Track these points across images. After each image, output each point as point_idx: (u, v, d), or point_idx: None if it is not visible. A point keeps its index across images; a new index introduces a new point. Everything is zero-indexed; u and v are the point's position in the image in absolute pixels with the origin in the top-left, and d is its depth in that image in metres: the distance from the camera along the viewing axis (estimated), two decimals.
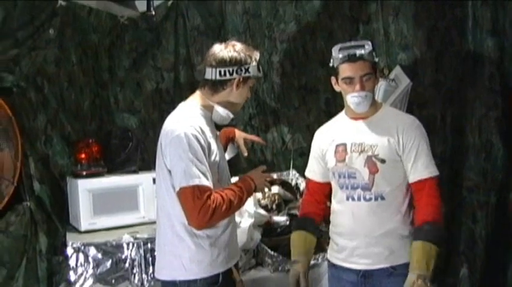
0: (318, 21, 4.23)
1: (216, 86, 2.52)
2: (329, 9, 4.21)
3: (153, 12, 3.98)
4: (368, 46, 2.59)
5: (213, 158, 2.44)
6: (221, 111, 2.55)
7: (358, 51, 2.58)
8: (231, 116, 2.59)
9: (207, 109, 2.54)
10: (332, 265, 2.83)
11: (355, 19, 4.20)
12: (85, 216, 3.42)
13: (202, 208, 2.32)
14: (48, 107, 3.75)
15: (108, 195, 3.48)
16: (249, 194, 2.57)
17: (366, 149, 2.64)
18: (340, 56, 2.61)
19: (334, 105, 4.04)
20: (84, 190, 3.43)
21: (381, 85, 3.90)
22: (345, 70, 2.61)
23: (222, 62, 2.49)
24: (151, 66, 4.18)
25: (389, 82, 3.94)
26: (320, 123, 2.96)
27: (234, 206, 2.45)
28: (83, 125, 3.92)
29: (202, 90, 2.57)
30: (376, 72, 2.66)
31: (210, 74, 2.50)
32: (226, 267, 2.51)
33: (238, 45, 2.54)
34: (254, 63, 2.52)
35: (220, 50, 2.51)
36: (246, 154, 3.01)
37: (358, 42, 2.67)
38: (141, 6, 4.05)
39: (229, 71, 2.48)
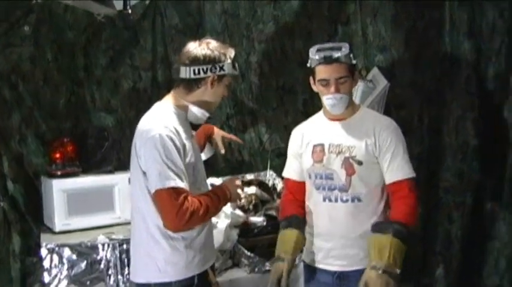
0: (297, 21, 4.23)
1: (190, 85, 2.48)
2: (307, 9, 4.21)
3: (130, 11, 3.94)
4: (345, 49, 2.58)
5: (188, 159, 2.40)
6: (196, 111, 2.51)
7: (335, 54, 2.57)
8: (207, 115, 2.56)
9: (182, 109, 2.50)
10: (308, 266, 2.83)
11: (333, 20, 4.20)
12: (59, 216, 3.39)
13: (180, 211, 2.28)
14: (22, 105, 3.71)
15: (83, 195, 3.45)
16: (225, 203, 2.57)
17: (343, 151, 2.64)
18: (317, 57, 2.60)
19: (311, 106, 4.03)
20: (59, 190, 3.39)
21: (359, 86, 3.90)
22: (321, 72, 2.61)
23: (195, 60, 2.44)
24: (128, 65, 4.14)
25: (367, 83, 3.94)
26: (297, 124, 2.94)
27: (210, 212, 2.42)
28: (59, 124, 3.88)
29: (176, 90, 2.53)
30: (354, 74, 2.65)
31: (184, 72, 2.46)
32: (202, 269, 2.48)
33: (213, 43, 2.49)
34: (229, 60, 2.48)
35: (194, 48, 2.47)
36: (223, 152, 2.98)
37: (335, 44, 2.65)
38: (119, 4, 4.02)
39: (203, 69, 2.44)
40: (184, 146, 2.38)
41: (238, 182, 2.65)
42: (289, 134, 2.93)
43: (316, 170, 2.69)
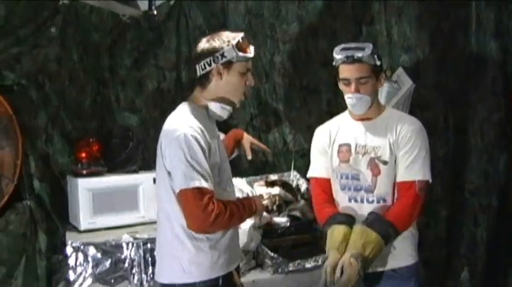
0: (321, 21, 4.22)
1: (202, 81, 2.46)
2: (332, 9, 4.20)
3: (155, 12, 3.96)
4: (368, 49, 2.57)
5: (213, 159, 2.39)
6: (214, 107, 2.48)
7: (357, 54, 2.56)
8: (228, 108, 2.50)
9: (203, 108, 2.49)
10: None
11: (358, 20, 4.18)
12: (85, 215, 3.41)
13: (204, 211, 2.28)
14: (49, 105, 3.75)
15: (108, 194, 3.48)
16: (249, 215, 2.56)
17: (369, 151, 2.63)
18: (340, 56, 2.60)
19: (335, 106, 4.02)
20: (84, 189, 3.42)
21: (384, 87, 3.88)
22: (343, 71, 2.61)
23: (200, 56, 2.43)
24: (153, 65, 4.16)
25: (392, 84, 3.92)
26: (321, 123, 2.94)
27: (234, 218, 2.41)
28: (84, 124, 3.91)
29: (196, 89, 2.52)
30: (379, 75, 2.63)
31: (196, 71, 2.46)
32: (227, 270, 2.47)
33: (217, 35, 2.46)
34: (228, 46, 2.40)
35: (199, 44, 2.47)
36: (249, 157, 2.96)
37: (359, 45, 2.64)
38: (143, 5, 4.05)
39: (207, 62, 2.41)
40: (209, 145, 2.37)
41: (265, 202, 2.77)
42: (313, 134, 2.91)
43: (342, 170, 2.68)
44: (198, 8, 4.21)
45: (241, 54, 2.42)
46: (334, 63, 2.65)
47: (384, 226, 2.51)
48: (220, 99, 2.47)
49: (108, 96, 4.06)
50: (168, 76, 4.19)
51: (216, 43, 2.41)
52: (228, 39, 2.42)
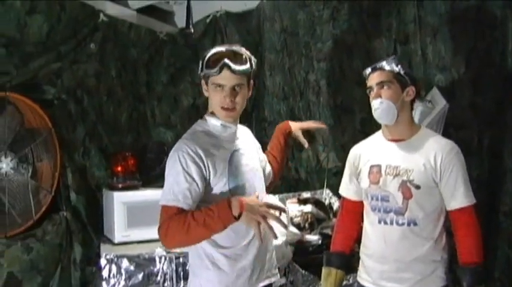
0: (355, 40, 4.22)
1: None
2: (367, 29, 4.20)
3: (192, 30, 4.03)
4: (390, 58, 2.66)
5: (218, 175, 2.32)
6: (209, 121, 2.42)
7: (379, 63, 2.63)
8: (225, 123, 2.39)
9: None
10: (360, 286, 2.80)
11: (392, 39, 4.18)
12: (119, 228, 3.47)
13: (161, 228, 2.26)
14: (87, 119, 3.83)
15: (142, 208, 3.52)
16: (225, 222, 2.21)
17: (401, 173, 2.59)
18: (367, 72, 2.67)
19: (369, 125, 3.98)
20: (119, 202, 3.48)
21: (417, 107, 3.86)
22: (368, 81, 2.66)
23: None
24: (188, 81, 4.23)
25: (426, 103, 3.89)
26: (355, 143, 2.93)
27: (193, 231, 2.21)
28: (120, 138, 3.99)
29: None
30: (404, 85, 2.62)
31: None
32: None
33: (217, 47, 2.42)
34: (202, 62, 2.34)
35: None
36: (306, 146, 2.88)
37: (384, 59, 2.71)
38: (181, 22, 4.12)
39: (200, 76, 2.41)
40: (206, 165, 2.29)
41: (262, 207, 2.27)
42: (347, 152, 2.92)
43: (372, 192, 2.67)
44: (234, 25, 4.26)
45: (206, 70, 2.33)
46: (366, 82, 2.69)
47: (475, 274, 2.57)
48: (212, 114, 2.42)
49: (144, 112, 4.14)
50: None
51: (202, 58, 2.38)
52: (207, 53, 2.37)
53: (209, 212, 2.22)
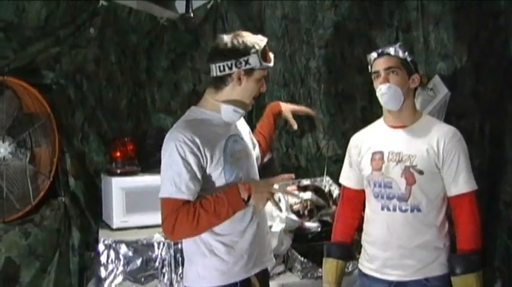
0: (357, 28, 4.20)
1: (217, 83, 2.35)
2: (368, 16, 4.17)
3: (192, 14, 4.00)
4: (397, 45, 2.63)
5: (213, 165, 2.31)
6: (227, 110, 2.36)
7: (386, 49, 2.63)
8: (241, 111, 2.39)
9: (215, 110, 2.39)
10: (363, 275, 2.79)
11: (394, 27, 4.15)
12: (117, 213, 3.47)
13: (165, 221, 2.24)
14: (86, 104, 3.81)
15: (141, 194, 3.51)
16: (234, 208, 2.28)
17: (403, 159, 2.60)
18: (371, 56, 2.66)
19: (370, 113, 4.00)
20: (118, 187, 3.47)
21: (419, 94, 3.85)
22: (374, 66, 2.65)
23: (219, 56, 2.30)
24: (189, 67, 4.20)
25: (428, 91, 3.88)
26: (356, 130, 2.93)
27: (203, 221, 2.24)
28: (120, 124, 3.98)
29: (208, 90, 2.44)
30: (410, 72, 2.62)
31: (212, 70, 2.34)
32: (245, 276, 2.41)
33: (239, 35, 2.33)
34: (254, 53, 2.29)
35: (219, 42, 2.34)
36: (295, 127, 2.87)
37: (389, 45, 2.69)
38: (181, 7, 4.09)
39: (227, 65, 2.29)
40: (204, 154, 2.28)
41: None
42: (347, 140, 2.91)
43: (375, 178, 2.66)
44: (235, 11, 4.23)
45: (264, 63, 2.33)
46: (369, 67, 2.68)
47: (468, 262, 2.56)
48: (233, 102, 2.36)
49: (144, 98, 4.12)
50: (203, 79, 4.23)
51: (240, 46, 2.30)
52: (252, 44, 2.31)
53: (218, 200, 2.24)
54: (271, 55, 2.39)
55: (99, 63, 3.87)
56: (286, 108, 2.88)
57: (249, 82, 2.34)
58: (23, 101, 3.49)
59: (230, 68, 2.30)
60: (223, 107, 2.37)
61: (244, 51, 2.29)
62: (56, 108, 3.61)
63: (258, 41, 2.34)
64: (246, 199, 2.27)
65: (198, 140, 2.26)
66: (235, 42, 2.30)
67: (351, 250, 2.91)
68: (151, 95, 4.12)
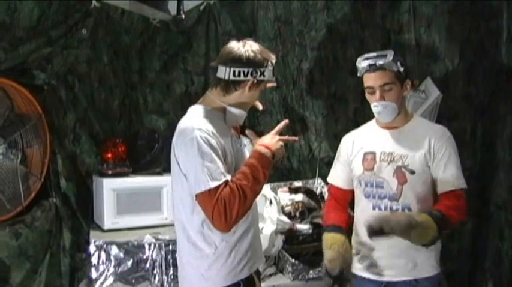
0: (349, 29, 4.20)
1: (228, 86, 2.39)
2: (361, 18, 4.18)
3: (183, 16, 4.00)
4: (390, 56, 2.59)
5: (228, 159, 2.36)
6: (234, 112, 2.44)
7: (379, 61, 2.58)
8: (244, 114, 2.48)
9: (218, 110, 2.44)
10: (353, 276, 2.81)
11: (386, 29, 4.16)
12: (108, 215, 3.45)
13: (215, 211, 2.22)
14: (78, 105, 3.80)
15: (132, 195, 3.51)
16: (267, 167, 2.36)
17: (395, 159, 2.62)
18: (363, 65, 2.63)
19: (362, 114, 4.01)
20: (109, 189, 3.46)
21: (411, 96, 3.86)
22: (367, 80, 2.64)
23: (237, 61, 2.35)
24: (181, 69, 4.21)
25: (419, 93, 3.89)
26: (348, 132, 2.94)
27: (248, 191, 2.26)
28: (111, 125, 3.97)
29: (213, 91, 2.46)
30: (403, 82, 2.63)
31: (224, 73, 2.37)
32: (248, 273, 2.43)
33: (256, 46, 2.41)
34: (270, 67, 2.41)
35: (237, 48, 2.38)
36: (261, 108, 2.76)
37: (380, 52, 2.65)
38: (174, 9, 4.09)
39: (244, 72, 2.36)
40: (223, 146, 2.33)
41: (276, 136, 2.44)
42: (339, 142, 2.93)
43: (367, 178, 2.68)
44: (228, 13, 4.24)
45: (273, 78, 2.46)
46: (358, 74, 2.67)
47: (434, 213, 2.47)
48: (239, 105, 2.44)
49: (136, 99, 4.11)
50: (196, 80, 4.23)
51: (258, 57, 2.38)
52: (269, 58, 2.42)
53: (252, 168, 2.31)
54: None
55: (91, 64, 3.85)
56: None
57: (256, 91, 2.43)
58: (14, 102, 3.48)
59: (246, 76, 2.37)
60: (230, 109, 2.43)
61: (262, 63, 2.38)
62: (47, 109, 3.59)
63: (272, 55, 2.45)
64: (271, 156, 2.37)
65: (217, 133, 2.32)
66: (253, 52, 2.38)
67: (346, 234, 2.80)
68: (144, 97, 4.12)
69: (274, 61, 2.45)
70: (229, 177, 2.27)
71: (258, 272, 2.59)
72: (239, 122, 2.52)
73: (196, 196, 2.27)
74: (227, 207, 2.21)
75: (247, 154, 2.48)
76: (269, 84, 2.53)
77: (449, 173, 2.58)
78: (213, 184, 2.23)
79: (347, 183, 2.81)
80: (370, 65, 2.59)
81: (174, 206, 2.47)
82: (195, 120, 2.35)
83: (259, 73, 2.38)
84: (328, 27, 4.21)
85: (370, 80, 2.61)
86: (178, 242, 2.49)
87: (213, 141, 2.28)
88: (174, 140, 2.39)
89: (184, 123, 2.38)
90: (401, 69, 2.60)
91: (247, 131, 2.69)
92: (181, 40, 4.22)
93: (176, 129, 2.40)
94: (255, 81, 2.39)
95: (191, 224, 2.37)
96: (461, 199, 2.57)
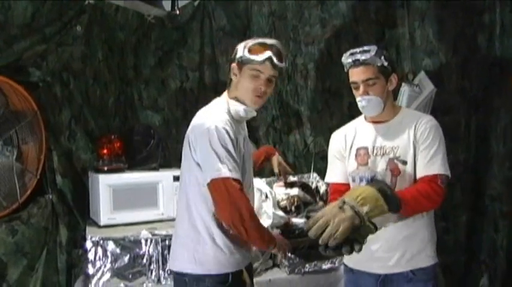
0: (344, 24, 4.22)
1: (228, 79, 2.56)
2: (355, 13, 4.19)
3: (178, 12, 4.00)
4: (373, 51, 2.59)
5: (239, 153, 2.41)
6: (233, 105, 2.49)
7: (361, 57, 2.59)
8: (247, 108, 2.49)
9: (229, 106, 2.52)
10: (349, 270, 2.80)
11: (380, 23, 4.18)
12: (105, 211, 3.45)
13: (233, 204, 2.29)
14: (73, 102, 3.80)
15: (128, 191, 3.51)
16: (267, 245, 2.49)
17: (387, 152, 2.63)
18: (347, 61, 2.65)
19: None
20: (105, 185, 3.46)
21: (405, 90, 3.88)
22: (351, 75, 2.65)
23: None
24: (176, 65, 4.21)
25: (414, 87, 3.91)
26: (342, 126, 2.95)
27: (254, 233, 2.37)
28: (107, 121, 3.97)
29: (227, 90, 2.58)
30: (388, 76, 2.63)
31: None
32: (238, 268, 2.46)
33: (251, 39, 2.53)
34: (244, 47, 2.46)
35: None
36: (276, 171, 3.08)
37: (364, 47, 2.65)
38: (168, 5, 4.09)
39: (229, 62, 2.53)
40: (237, 140, 2.39)
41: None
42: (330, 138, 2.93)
43: (361, 173, 2.68)
44: (222, 9, 4.25)
45: (247, 55, 2.44)
46: (345, 69, 2.69)
47: (395, 201, 2.37)
48: (236, 99, 2.50)
49: (131, 95, 4.12)
50: (191, 76, 4.24)
51: (239, 45, 2.50)
52: (249, 41, 2.48)
53: (270, 238, 2.47)
54: (267, 53, 2.44)
55: (86, 61, 3.86)
56: (277, 158, 3.17)
57: (242, 77, 2.47)
58: (9, 99, 3.47)
59: (230, 65, 2.50)
60: (230, 103, 2.50)
61: (238, 47, 2.49)
62: (42, 106, 3.59)
63: (265, 39, 2.51)
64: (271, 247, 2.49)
65: (233, 125, 2.41)
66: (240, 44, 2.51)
67: None
68: (139, 93, 4.12)
69: (252, 43, 2.47)
70: (238, 176, 2.33)
71: (250, 267, 2.60)
72: (240, 115, 2.50)
73: (211, 181, 2.32)
74: (243, 214, 2.31)
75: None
76: (255, 67, 2.45)
77: (428, 157, 2.55)
78: (235, 175, 2.31)
79: (345, 177, 2.78)
80: (354, 61, 2.61)
81: (182, 188, 2.52)
82: (214, 111, 2.45)
83: (234, 56, 2.48)
84: (323, 22, 4.22)
85: (354, 75, 2.63)
86: (178, 223, 2.53)
87: (231, 132, 2.36)
88: (191, 128, 2.44)
89: (204, 112, 2.49)
90: (386, 63, 2.60)
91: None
92: (176, 36, 4.22)
93: (195, 117, 2.48)
94: (235, 64, 2.47)
95: (197, 207, 2.42)
96: (439, 185, 2.52)
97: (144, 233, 3.30)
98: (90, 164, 3.79)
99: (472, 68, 3.99)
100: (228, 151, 2.32)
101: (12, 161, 3.47)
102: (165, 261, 3.27)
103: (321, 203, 3.73)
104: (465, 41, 3.99)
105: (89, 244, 3.24)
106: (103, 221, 3.45)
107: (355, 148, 2.72)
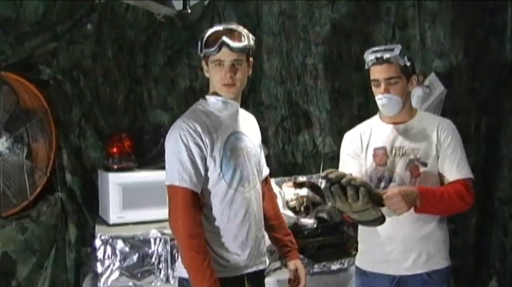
0: (354, 25, 4.21)
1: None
2: (365, 13, 4.19)
3: (189, 11, 4.00)
4: (397, 50, 2.58)
5: (214, 153, 2.35)
6: (210, 100, 2.43)
7: (386, 55, 2.58)
8: (221, 98, 2.39)
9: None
10: (362, 273, 2.76)
11: (391, 24, 4.17)
12: (114, 209, 3.46)
13: (174, 213, 2.33)
14: (83, 100, 3.81)
15: (138, 189, 3.50)
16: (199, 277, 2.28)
17: (407, 153, 2.62)
18: (370, 58, 2.63)
19: (366, 110, 4.01)
20: (115, 183, 3.46)
21: (415, 91, 3.86)
22: (373, 72, 2.64)
23: None
24: (185, 64, 4.20)
25: (424, 89, 3.90)
26: (352, 127, 2.93)
27: (186, 253, 2.31)
28: (116, 120, 3.97)
29: None
30: (409, 76, 2.63)
31: None
32: (237, 273, 2.40)
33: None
34: (201, 43, 2.37)
35: None
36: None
37: (388, 46, 2.66)
38: (178, 4, 4.09)
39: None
40: (204, 143, 2.33)
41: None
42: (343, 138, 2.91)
43: (380, 173, 2.66)
44: (232, 8, 4.24)
45: (205, 49, 2.37)
46: (366, 66, 2.68)
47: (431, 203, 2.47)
48: (214, 93, 2.43)
49: (140, 94, 4.11)
50: (200, 75, 4.22)
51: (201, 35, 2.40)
52: (205, 33, 2.39)
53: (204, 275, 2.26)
54: (225, 40, 2.33)
55: (96, 59, 3.86)
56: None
57: (210, 70, 2.41)
58: (20, 97, 3.49)
59: (201, 61, 2.45)
60: (209, 99, 2.45)
61: (202, 38, 2.39)
62: (53, 104, 3.61)
63: (215, 27, 2.39)
64: None
65: (200, 130, 2.33)
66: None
67: None
68: (148, 91, 4.12)
69: (208, 33, 2.37)
70: (194, 188, 2.30)
71: (256, 274, 2.51)
72: (221, 109, 2.43)
73: (166, 186, 2.36)
74: (176, 228, 2.33)
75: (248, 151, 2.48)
76: (215, 58, 2.36)
77: (455, 164, 2.58)
78: (176, 183, 2.31)
79: (363, 176, 2.75)
80: (377, 58, 2.60)
81: None
82: (185, 115, 2.44)
83: (199, 51, 2.40)
84: (333, 22, 4.22)
85: (376, 73, 2.61)
86: None
87: (192, 144, 2.31)
88: None
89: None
90: (408, 63, 2.60)
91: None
92: (186, 35, 4.22)
93: None
94: (203, 61, 2.42)
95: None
96: (467, 187, 2.57)
97: (154, 232, 3.30)
98: (99, 162, 3.79)
99: (482, 70, 3.98)
100: (180, 160, 2.30)
101: (23, 159, 3.48)
102: (174, 260, 3.26)
103: (329, 203, 3.72)
104: (476, 42, 3.98)
105: (98, 243, 3.24)
106: (112, 219, 3.46)
107: (371, 148, 2.70)
